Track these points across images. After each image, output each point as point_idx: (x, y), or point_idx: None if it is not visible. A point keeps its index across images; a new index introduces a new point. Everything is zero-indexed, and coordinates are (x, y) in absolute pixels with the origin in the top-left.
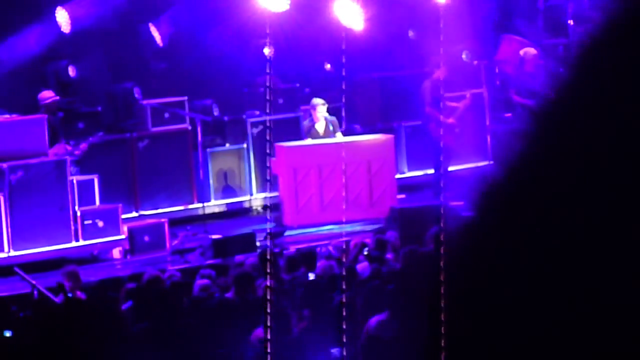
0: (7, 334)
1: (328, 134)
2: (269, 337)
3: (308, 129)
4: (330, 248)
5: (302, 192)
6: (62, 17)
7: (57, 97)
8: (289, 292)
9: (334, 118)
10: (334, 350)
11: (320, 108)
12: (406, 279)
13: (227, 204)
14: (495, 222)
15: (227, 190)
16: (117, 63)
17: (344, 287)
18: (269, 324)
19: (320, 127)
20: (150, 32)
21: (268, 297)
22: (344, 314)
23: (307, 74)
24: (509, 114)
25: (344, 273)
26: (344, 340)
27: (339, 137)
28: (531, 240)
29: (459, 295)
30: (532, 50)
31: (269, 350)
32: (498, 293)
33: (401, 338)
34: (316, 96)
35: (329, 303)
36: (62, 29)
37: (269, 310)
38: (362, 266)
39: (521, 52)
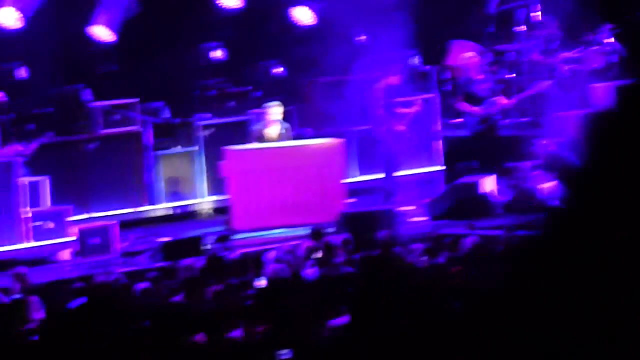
0: None
1: (281, 139)
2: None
3: (259, 133)
4: (282, 252)
5: (252, 196)
6: (8, 15)
7: (6, 99)
8: (238, 295)
9: (288, 125)
10: (284, 352)
11: (274, 110)
12: (366, 283)
13: (176, 207)
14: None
15: (177, 194)
16: (68, 65)
17: (293, 290)
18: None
19: (273, 131)
20: (99, 33)
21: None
22: (295, 316)
23: (259, 78)
24: (460, 120)
25: (293, 276)
26: (295, 342)
27: (290, 142)
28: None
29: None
30: (475, 56)
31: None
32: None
33: (360, 341)
34: (267, 100)
35: (279, 306)
36: (9, 27)
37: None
38: (312, 270)
39: (465, 57)
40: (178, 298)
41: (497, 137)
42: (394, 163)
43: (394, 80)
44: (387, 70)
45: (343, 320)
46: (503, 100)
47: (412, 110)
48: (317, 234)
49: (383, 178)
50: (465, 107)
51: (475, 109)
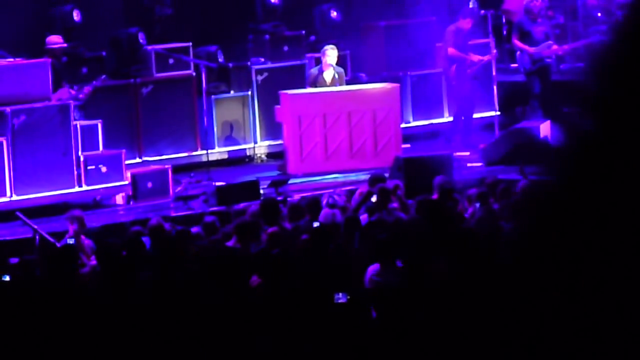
0: (6, 278)
1: (334, 83)
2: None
3: (315, 77)
4: (336, 197)
5: (306, 141)
6: None
7: (65, 44)
8: (292, 239)
9: (341, 70)
10: (339, 296)
11: (330, 52)
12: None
13: (230, 151)
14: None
15: (231, 139)
16: (122, 8)
17: (345, 235)
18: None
19: (327, 75)
20: None
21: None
22: (348, 260)
23: (313, 22)
24: (515, 65)
25: (346, 221)
26: (349, 286)
27: (344, 87)
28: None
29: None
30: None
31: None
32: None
33: (406, 286)
34: (321, 44)
35: (333, 251)
36: None
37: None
38: (365, 217)
39: (524, 1)
40: (231, 242)
41: (551, 81)
42: (464, 107)
43: (465, 23)
44: (462, 13)
45: (375, 267)
46: (555, 47)
47: (486, 58)
48: (375, 179)
49: (451, 122)
50: (519, 44)
51: (529, 47)
